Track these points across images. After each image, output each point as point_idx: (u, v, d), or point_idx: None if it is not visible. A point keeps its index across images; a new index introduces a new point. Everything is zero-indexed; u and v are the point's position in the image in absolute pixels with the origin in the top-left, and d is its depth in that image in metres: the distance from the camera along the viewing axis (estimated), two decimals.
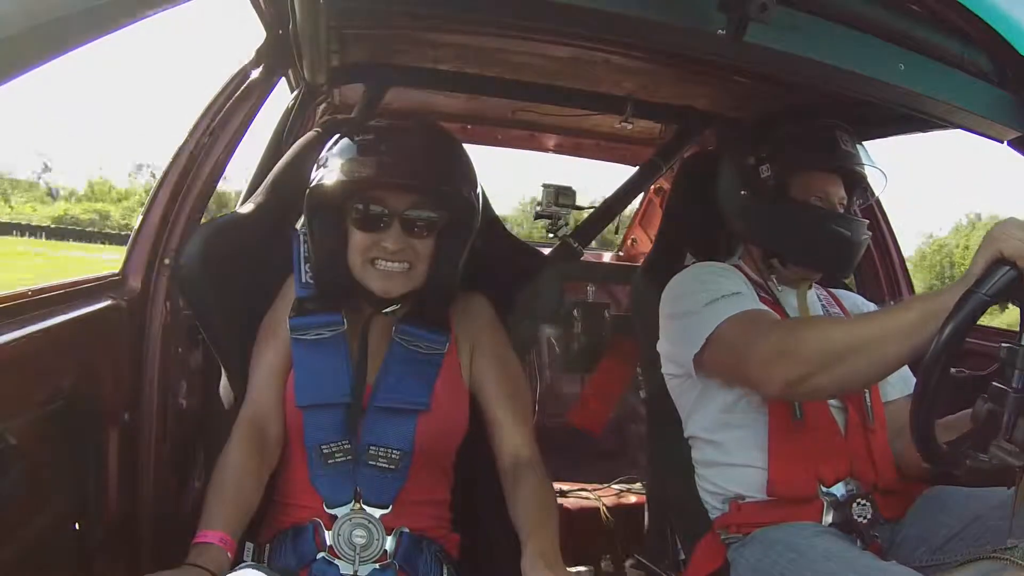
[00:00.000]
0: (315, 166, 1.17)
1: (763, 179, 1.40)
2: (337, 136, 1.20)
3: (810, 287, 1.45)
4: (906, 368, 1.44)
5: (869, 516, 1.26)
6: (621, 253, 3.32)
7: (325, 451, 1.13)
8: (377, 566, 1.11)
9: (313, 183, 1.15)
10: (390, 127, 1.19)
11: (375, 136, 1.16)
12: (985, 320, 1.04)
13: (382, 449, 1.14)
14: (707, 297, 1.29)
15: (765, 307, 1.31)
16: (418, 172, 1.15)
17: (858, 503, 1.26)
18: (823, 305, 1.47)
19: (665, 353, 1.43)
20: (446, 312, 1.23)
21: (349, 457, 1.14)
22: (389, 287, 1.16)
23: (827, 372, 1.09)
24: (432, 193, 1.16)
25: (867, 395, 1.35)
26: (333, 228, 1.16)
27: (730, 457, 1.34)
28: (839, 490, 1.28)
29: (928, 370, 0.92)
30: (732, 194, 1.46)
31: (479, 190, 1.21)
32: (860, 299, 1.58)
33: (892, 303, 1.76)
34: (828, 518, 1.26)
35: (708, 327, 1.25)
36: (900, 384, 1.41)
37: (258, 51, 1.49)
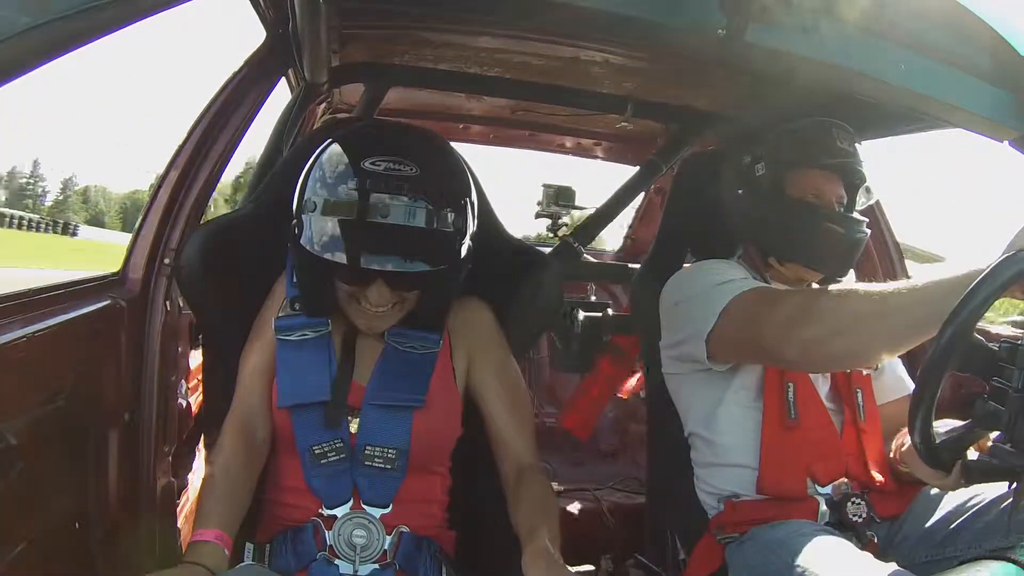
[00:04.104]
0: (299, 190, 1.10)
1: (758, 177, 1.40)
2: (323, 152, 1.11)
3: (809, 287, 1.45)
4: (901, 368, 1.44)
5: (865, 515, 1.26)
6: (621, 253, 3.33)
7: (317, 452, 1.13)
8: (377, 566, 1.11)
9: (296, 232, 1.09)
10: (383, 178, 1.03)
11: (367, 194, 1.03)
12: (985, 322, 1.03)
13: (378, 448, 1.14)
14: (716, 280, 1.29)
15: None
16: (408, 255, 1.05)
17: (853, 502, 1.26)
18: None
19: (669, 344, 1.43)
20: (442, 321, 1.22)
21: (343, 456, 1.13)
22: (373, 326, 1.15)
23: (849, 335, 1.04)
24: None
25: (859, 393, 1.35)
26: (318, 269, 1.10)
27: (724, 457, 1.34)
28: (833, 490, 1.29)
29: (953, 326, 0.84)
30: (730, 193, 1.46)
31: (474, 205, 1.14)
32: None
33: None
34: (824, 517, 1.26)
35: (721, 302, 1.24)
36: (895, 386, 1.41)
37: (258, 51, 1.49)
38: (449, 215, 1.07)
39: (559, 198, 2.62)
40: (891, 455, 1.32)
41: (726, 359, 1.30)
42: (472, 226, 1.13)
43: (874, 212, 1.85)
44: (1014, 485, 0.87)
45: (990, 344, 0.87)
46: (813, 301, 1.11)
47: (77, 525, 1.13)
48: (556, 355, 2.42)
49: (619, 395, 2.25)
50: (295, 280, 1.19)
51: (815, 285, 1.48)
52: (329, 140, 1.13)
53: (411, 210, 1.04)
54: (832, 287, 1.23)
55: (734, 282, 1.27)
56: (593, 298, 2.64)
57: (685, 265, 1.56)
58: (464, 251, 1.11)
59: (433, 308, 1.18)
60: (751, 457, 1.30)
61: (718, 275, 1.31)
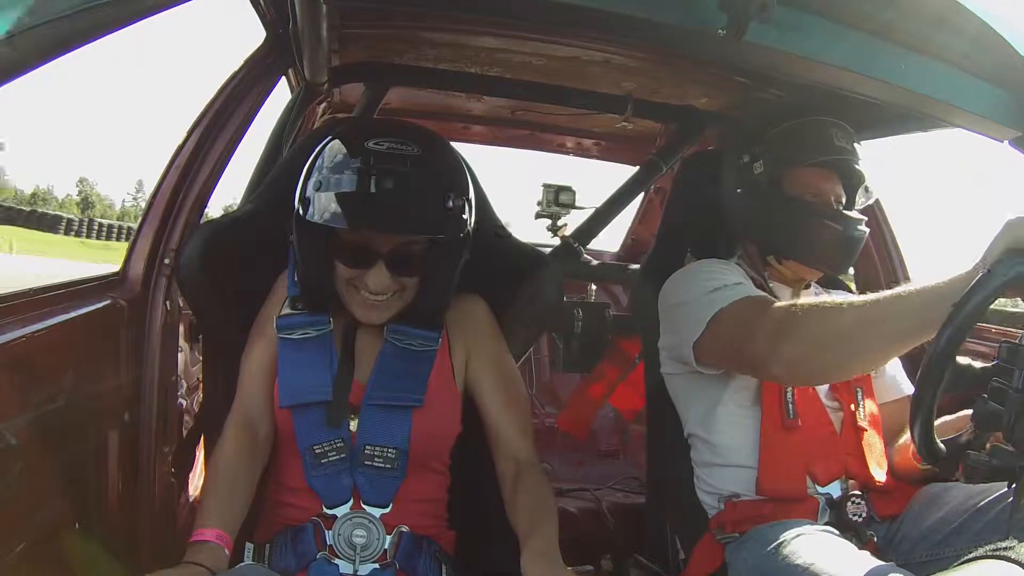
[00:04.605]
0: (301, 181, 1.13)
1: (757, 176, 1.40)
2: (327, 143, 1.14)
3: (807, 287, 1.45)
4: (900, 369, 1.44)
5: (864, 515, 1.26)
6: (621, 252, 3.33)
7: (317, 451, 1.13)
8: (377, 566, 1.11)
9: (300, 211, 1.10)
10: (386, 154, 1.07)
11: (367, 168, 1.06)
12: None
13: (378, 448, 1.14)
14: (710, 285, 1.29)
15: (768, 295, 1.29)
16: (409, 219, 1.09)
17: (853, 502, 1.26)
18: None
19: (665, 347, 1.43)
20: (439, 317, 1.22)
21: (343, 456, 1.13)
22: (372, 317, 1.15)
23: (831, 351, 1.07)
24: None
25: (859, 392, 1.35)
26: (320, 253, 1.13)
27: (724, 457, 1.34)
28: (833, 489, 1.28)
29: (936, 354, 0.87)
30: (729, 192, 1.46)
31: (472, 215, 1.16)
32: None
33: None
34: (824, 517, 1.26)
35: (710, 310, 1.25)
36: (895, 386, 1.41)
37: (258, 51, 1.49)
38: (449, 193, 1.10)
39: (559, 198, 2.62)
40: (910, 452, 1.30)
41: (714, 366, 1.31)
42: (470, 217, 1.14)
43: (874, 211, 1.85)
44: (1014, 485, 0.87)
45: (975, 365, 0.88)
46: (795, 318, 1.11)
47: (77, 525, 1.13)
48: (556, 355, 2.42)
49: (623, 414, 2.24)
50: (296, 277, 1.19)
51: (815, 284, 1.48)
52: (331, 136, 1.15)
53: (413, 183, 1.07)
54: (816, 300, 1.23)
55: (725, 289, 1.27)
56: (593, 298, 2.64)
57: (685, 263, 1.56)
58: (462, 232, 1.12)
59: (431, 299, 1.18)
60: (750, 457, 1.30)
61: (712, 280, 1.31)
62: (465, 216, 1.13)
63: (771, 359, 1.13)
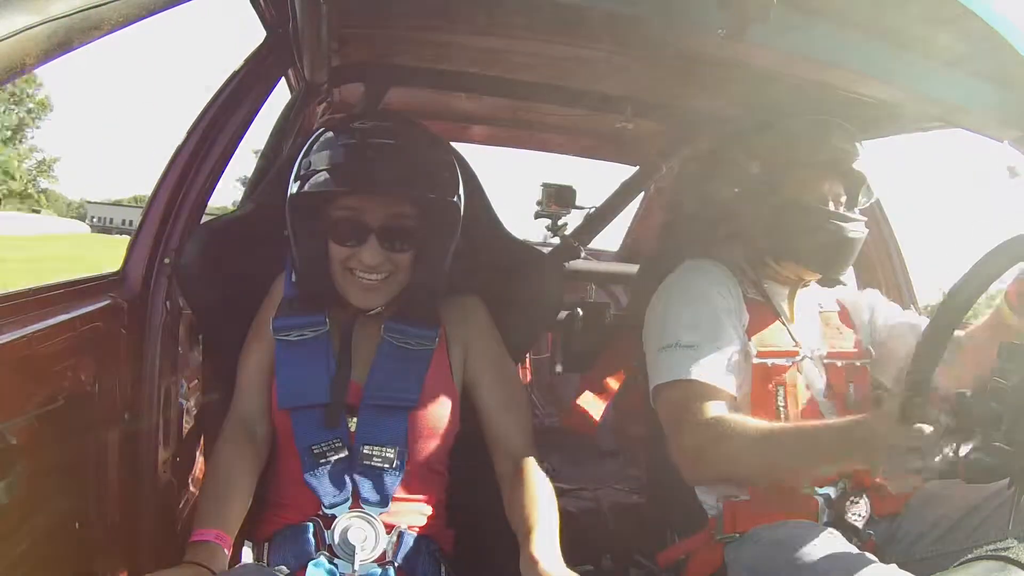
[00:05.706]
0: (295, 168, 1.16)
1: (755, 176, 1.40)
2: (319, 134, 1.18)
3: (806, 286, 1.45)
4: (898, 316, 1.48)
5: (863, 514, 1.26)
6: (622, 252, 3.32)
7: (316, 451, 1.13)
8: (376, 565, 1.11)
9: (293, 190, 1.13)
10: (372, 129, 1.14)
11: (356, 140, 1.13)
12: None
13: (376, 448, 1.14)
14: (664, 340, 1.32)
15: (714, 363, 1.27)
16: (398, 179, 1.12)
17: (851, 501, 1.26)
18: (820, 307, 1.47)
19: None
20: (435, 308, 1.23)
21: (342, 455, 1.14)
22: (368, 300, 1.16)
23: (742, 478, 1.25)
24: (412, 201, 1.14)
25: (851, 388, 1.36)
26: (314, 234, 1.14)
27: None
28: (832, 489, 1.28)
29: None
30: (727, 193, 1.46)
31: (461, 191, 1.19)
32: (864, 299, 1.57)
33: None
34: (823, 517, 1.26)
35: (653, 376, 1.33)
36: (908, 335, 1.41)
37: (258, 51, 1.49)
38: (435, 160, 1.16)
39: (559, 198, 2.61)
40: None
41: None
42: (458, 189, 1.17)
43: (874, 211, 1.84)
44: (1013, 485, 0.87)
45: None
46: (706, 450, 1.22)
47: (77, 525, 1.12)
48: (556, 355, 2.41)
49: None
50: (292, 278, 1.19)
51: (815, 283, 1.47)
52: (323, 129, 1.19)
53: (399, 151, 1.12)
54: (740, 421, 1.22)
55: (674, 351, 1.29)
56: (593, 298, 2.64)
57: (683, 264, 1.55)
58: (451, 196, 1.15)
59: (425, 280, 1.18)
60: None
61: (670, 330, 1.32)
62: (452, 184, 1.16)
63: (688, 474, 1.29)
